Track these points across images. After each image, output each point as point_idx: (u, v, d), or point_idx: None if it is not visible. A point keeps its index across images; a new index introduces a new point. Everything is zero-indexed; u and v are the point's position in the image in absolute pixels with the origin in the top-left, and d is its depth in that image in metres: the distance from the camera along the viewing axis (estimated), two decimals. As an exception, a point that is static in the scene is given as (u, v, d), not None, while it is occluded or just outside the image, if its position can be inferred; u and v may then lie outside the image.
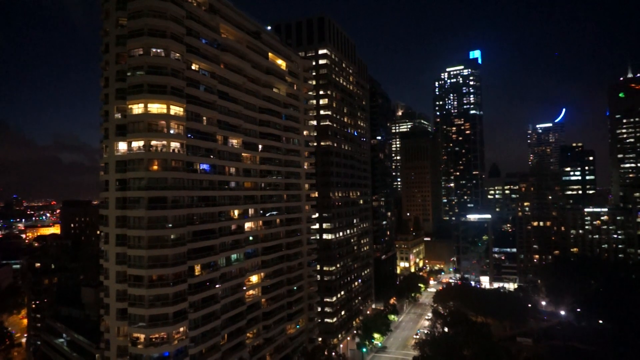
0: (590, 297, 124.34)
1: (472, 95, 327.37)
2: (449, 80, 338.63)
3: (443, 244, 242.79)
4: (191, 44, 67.89)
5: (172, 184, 62.99)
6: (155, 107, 62.87)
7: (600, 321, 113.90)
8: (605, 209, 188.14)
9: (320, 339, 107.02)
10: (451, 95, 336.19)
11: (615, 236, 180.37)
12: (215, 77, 73.76)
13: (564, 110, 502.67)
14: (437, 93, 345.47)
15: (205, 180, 71.07)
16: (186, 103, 65.81)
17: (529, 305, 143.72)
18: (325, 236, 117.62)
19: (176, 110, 64.72)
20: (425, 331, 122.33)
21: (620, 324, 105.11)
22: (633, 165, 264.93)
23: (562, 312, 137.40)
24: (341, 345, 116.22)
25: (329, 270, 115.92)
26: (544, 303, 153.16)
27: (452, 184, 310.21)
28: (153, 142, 62.48)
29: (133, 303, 60.55)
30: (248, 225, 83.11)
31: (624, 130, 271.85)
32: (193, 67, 69.41)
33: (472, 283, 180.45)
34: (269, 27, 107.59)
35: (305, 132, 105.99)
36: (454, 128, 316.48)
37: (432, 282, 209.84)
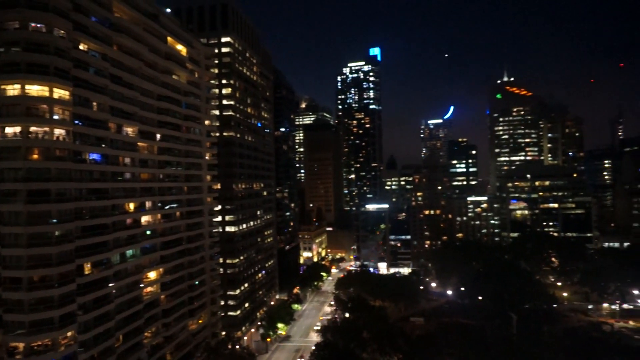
0: (472, 277, 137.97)
1: (372, 91, 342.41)
2: (350, 76, 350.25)
3: (344, 233, 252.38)
4: (79, 21, 61.59)
5: (56, 175, 56.90)
6: (35, 89, 56.21)
7: (480, 298, 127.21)
8: (485, 198, 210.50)
9: (223, 332, 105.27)
10: (352, 90, 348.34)
11: (492, 222, 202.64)
12: (107, 60, 67.88)
13: (452, 108, 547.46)
14: (340, 87, 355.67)
15: (97, 171, 65.51)
16: (73, 86, 59.67)
17: (421, 287, 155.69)
18: (228, 228, 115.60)
19: (61, 93, 58.38)
20: (328, 318, 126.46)
21: (496, 299, 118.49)
22: (507, 158, 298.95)
23: (449, 292, 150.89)
24: (245, 338, 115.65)
25: (232, 262, 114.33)
26: (434, 285, 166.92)
27: (353, 176, 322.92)
28: (32, 129, 55.90)
29: (10, 309, 54.06)
30: (145, 219, 78.45)
31: (500, 128, 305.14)
32: (81, 47, 63.18)
33: (371, 269, 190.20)
34: (169, 10, 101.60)
35: (207, 122, 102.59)
36: (355, 122, 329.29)
37: (334, 270, 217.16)
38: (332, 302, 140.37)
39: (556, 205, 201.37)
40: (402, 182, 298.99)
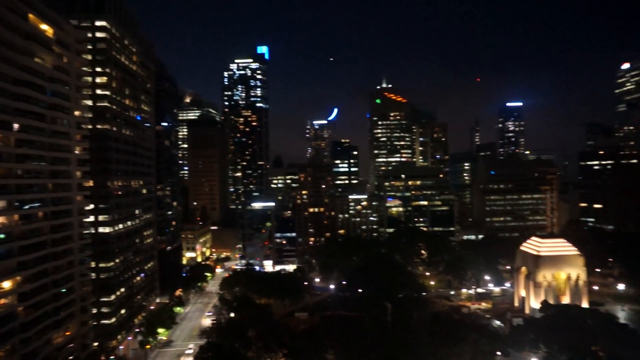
0: (352, 271, 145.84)
1: (259, 89, 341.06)
2: (237, 72, 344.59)
3: (230, 232, 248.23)
4: None
5: None
6: None
7: (360, 290, 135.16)
8: (365, 196, 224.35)
9: (96, 343, 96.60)
10: (239, 86, 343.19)
11: (371, 218, 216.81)
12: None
13: (336, 110, 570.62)
14: (226, 83, 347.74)
15: None
16: None
17: (306, 283, 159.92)
18: (102, 229, 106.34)
19: None
20: (212, 319, 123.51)
21: (373, 290, 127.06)
22: (385, 159, 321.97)
23: (332, 286, 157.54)
24: (121, 347, 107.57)
25: (106, 266, 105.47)
26: (317, 280, 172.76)
27: (239, 173, 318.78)
28: None
29: None
30: (-1, 220, 68.56)
31: (379, 131, 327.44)
32: None
33: (257, 268, 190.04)
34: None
35: (77, 113, 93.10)
36: (242, 119, 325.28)
37: (219, 270, 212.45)
38: (217, 303, 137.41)
39: (425, 202, 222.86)
40: (288, 181, 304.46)
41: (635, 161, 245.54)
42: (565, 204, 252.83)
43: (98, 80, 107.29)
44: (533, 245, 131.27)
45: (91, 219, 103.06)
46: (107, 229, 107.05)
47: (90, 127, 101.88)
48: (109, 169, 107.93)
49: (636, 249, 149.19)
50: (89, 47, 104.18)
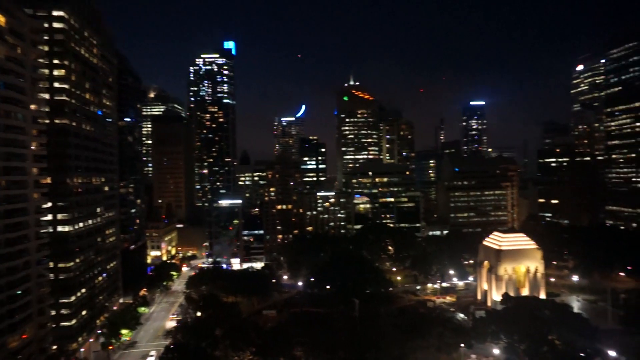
0: (320, 267, 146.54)
1: (226, 85, 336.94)
2: (204, 67, 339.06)
3: (196, 230, 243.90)
4: None
5: None
6: None
7: (328, 286, 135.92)
8: (333, 193, 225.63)
9: (55, 346, 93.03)
10: (206, 82, 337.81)
11: (339, 215, 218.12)
12: None
13: (304, 106, 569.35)
14: (192, 78, 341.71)
15: None
16: None
17: (274, 280, 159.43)
18: (61, 228, 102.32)
19: None
20: (178, 318, 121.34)
21: (341, 286, 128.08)
22: (352, 156, 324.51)
23: (300, 283, 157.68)
24: (82, 349, 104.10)
25: (66, 266, 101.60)
26: (285, 277, 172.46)
27: (205, 170, 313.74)
28: None
29: None
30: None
31: (346, 128, 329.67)
32: None
33: (224, 266, 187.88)
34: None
35: (33, 107, 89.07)
36: (208, 115, 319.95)
37: (185, 269, 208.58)
38: (183, 302, 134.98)
39: (392, 199, 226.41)
40: (256, 178, 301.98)
41: (588, 159, 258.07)
42: (524, 200, 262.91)
43: (56, 72, 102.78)
44: (495, 240, 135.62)
45: (49, 217, 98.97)
46: (66, 228, 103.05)
47: (47, 121, 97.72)
48: (68, 165, 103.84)
49: (589, 242, 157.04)
50: (46, 37, 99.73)
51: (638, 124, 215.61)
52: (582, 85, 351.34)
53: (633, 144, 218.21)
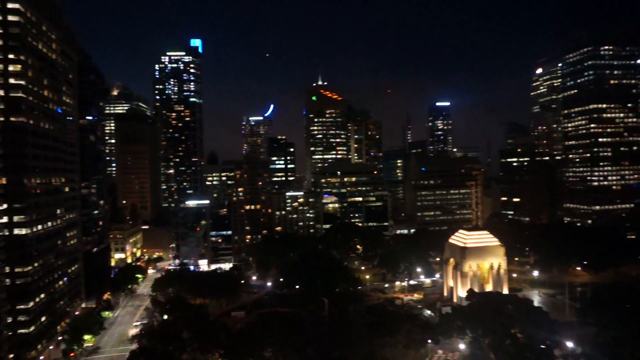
0: (289, 267, 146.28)
1: (192, 83, 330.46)
2: (170, 65, 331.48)
3: (162, 231, 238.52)
4: None
5: None
6: None
7: (297, 286, 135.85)
8: (302, 193, 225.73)
9: (12, 355, 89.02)
10: (172, 80, 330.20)
11: (308, 215, 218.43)
12: None
13: (272, 106, 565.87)
14: (158, 76, 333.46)
15: None
16: None
17: (242, 281, 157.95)
18: (17, 231, 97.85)
19: None
20: (144, 322, 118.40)
21: (310, 286, 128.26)
22: (321, 156, 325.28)
23: (269, 284, 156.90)
24: (42, 357, 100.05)
25: (23, 271, 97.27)
26: (254, 278, 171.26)
27: (171, 170, 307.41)
28: None
29: None
30: None
31: (315, 128, 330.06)
32: None
33: (192, 267, 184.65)
34: None
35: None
36: (174, 114, 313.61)
37: (151, 271, 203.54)
38: (149, 305, 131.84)
39: (360, 198, 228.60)
40: (224, 178, 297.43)
41: (547, 158, 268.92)
42: (488, 198, 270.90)
43: (11, 68, 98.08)
44: (460, 238, 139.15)
45: (5, 219, 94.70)
46: (23, 231, 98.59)
47: (2, 119, 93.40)
48: (25, 165, 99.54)
49: (548, 238, 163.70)
50: (0, 31, 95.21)
51: (593, 125, 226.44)
52: (542, 87, 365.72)
53: (588, 144, 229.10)
